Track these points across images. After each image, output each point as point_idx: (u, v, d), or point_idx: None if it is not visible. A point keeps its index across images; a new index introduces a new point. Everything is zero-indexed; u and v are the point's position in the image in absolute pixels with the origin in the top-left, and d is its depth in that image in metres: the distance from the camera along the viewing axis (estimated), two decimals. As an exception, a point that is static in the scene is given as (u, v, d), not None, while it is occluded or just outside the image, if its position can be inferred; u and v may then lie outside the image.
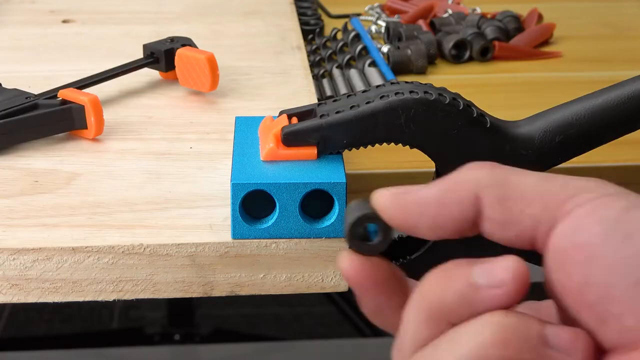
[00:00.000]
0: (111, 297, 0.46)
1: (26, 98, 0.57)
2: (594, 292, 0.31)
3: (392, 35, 0.83)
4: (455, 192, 0.34)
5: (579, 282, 0.32)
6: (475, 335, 0.31)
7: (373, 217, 0.35)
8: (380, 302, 0.36)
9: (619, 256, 0.31)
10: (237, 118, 0.51)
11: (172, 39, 0.66)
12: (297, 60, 0.72)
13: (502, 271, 0.32)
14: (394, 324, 0.36)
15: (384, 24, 0.86)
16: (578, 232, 0.32)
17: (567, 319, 0.33)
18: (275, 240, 0.45)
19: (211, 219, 0.47)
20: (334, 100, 0.45)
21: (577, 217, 0.32)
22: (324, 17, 0.92)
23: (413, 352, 0.33)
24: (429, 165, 0.46)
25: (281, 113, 0.46)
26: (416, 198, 0.34)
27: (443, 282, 0.33)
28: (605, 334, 0.32)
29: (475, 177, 0.34)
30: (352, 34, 0.81)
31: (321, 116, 0.44)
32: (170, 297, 0.46)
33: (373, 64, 0.76)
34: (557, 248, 0.32)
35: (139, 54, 0.66)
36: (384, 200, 0.35)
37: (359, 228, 0.35)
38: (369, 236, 0.35)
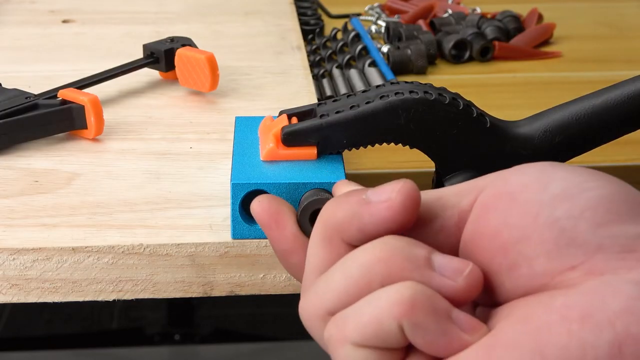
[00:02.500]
0: (111, 297, 0.46)
1: (26, 98, 0.57)
2: (509, 234, 0.33)
3: (392, 35, 0.83)
4: None
5: (497, 224, 0.33)
6: (363, 254, 0.33)
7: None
8: (288, 247, 0.39)
9: (537, 199, 0.33)
10: (237, 118, 0.51)
11: (172, 39, 0.66)
12: (297, 60, 0.72)
13: (390, 189, 0.34)
14: (302, 272, 0.38)
15: (384, 24, 0.86)
16: (504, 184, 0.34)
17: None
18: (275, 240, 0.45)
19: (211, 219, 0.47)
20: (334, 100, 0.45)
21: (505, 176, 0.34)
22: (324, 17, 0.92)
23: (316, 277, 0.35)
24: (429, 165, 0.46)
25: (281, 113, 0.46)
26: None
27: (338, 202, 0.35)
28: (514, 279, 0.33)
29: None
30: (352, 34, 0.81)
31: (321, 116, 0.44)
32: (170, 297, 0.46)
33: (373, 64, 0.76)
34: (482, 200, 0.34)
35: (139, 54, 0.66)
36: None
37: (310, 210, 0.40)
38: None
